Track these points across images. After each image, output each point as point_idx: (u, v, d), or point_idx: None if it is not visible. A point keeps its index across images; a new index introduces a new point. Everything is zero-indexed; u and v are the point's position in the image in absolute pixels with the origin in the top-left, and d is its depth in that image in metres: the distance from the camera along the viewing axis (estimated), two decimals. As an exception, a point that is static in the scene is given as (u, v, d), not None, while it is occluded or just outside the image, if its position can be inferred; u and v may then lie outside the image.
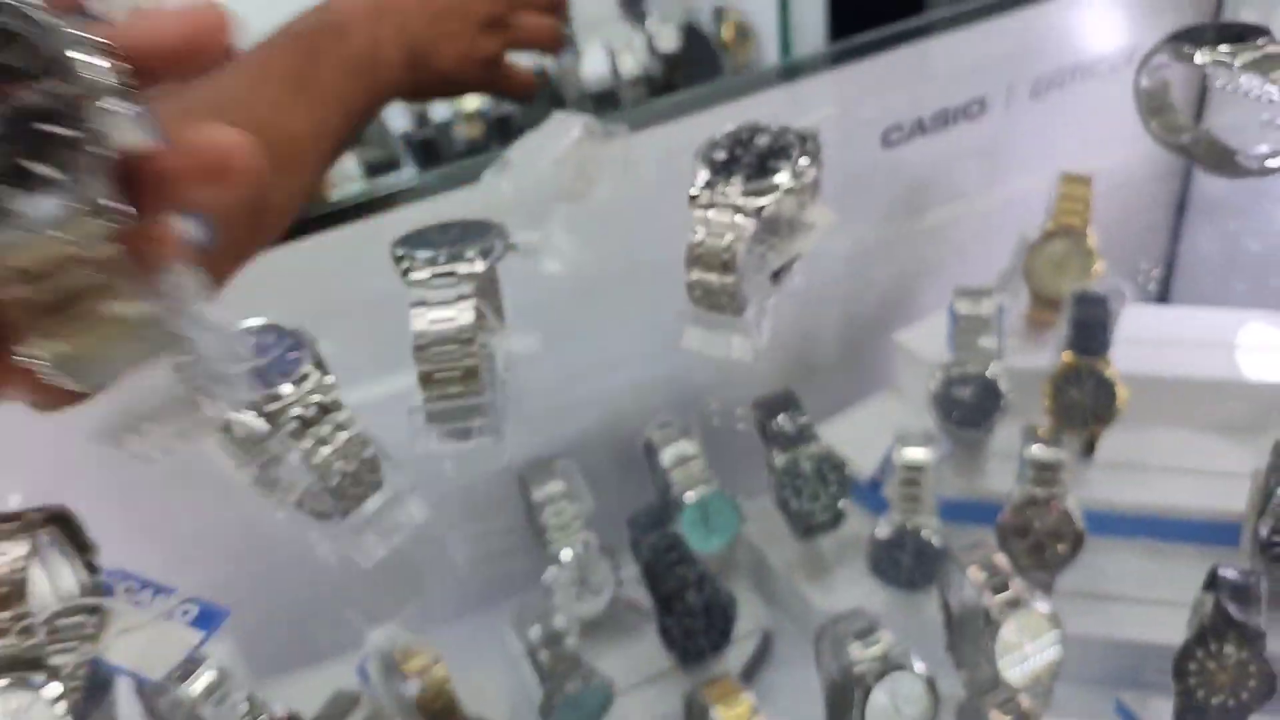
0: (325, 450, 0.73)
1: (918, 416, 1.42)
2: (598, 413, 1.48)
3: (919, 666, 1.06)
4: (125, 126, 0.35)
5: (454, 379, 0.74)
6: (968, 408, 1.32)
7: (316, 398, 0.72)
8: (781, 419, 1.33)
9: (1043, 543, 1.24)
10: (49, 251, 0.35)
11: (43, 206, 0.34)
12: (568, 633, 1.18)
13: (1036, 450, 1.24)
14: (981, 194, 1.53)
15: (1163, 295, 1.77)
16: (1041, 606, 1.10)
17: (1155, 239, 1.71)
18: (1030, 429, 1.27)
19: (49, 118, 0.33)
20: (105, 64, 0.35)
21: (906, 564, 1.29)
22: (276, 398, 0.71)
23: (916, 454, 1.27)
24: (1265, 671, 1.12)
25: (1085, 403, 1.31)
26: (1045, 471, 1.23)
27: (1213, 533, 1.34)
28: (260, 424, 0.72)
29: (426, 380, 0.74)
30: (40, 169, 0.34)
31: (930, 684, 1.06)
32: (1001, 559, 1.12)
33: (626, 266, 1.25)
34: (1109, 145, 1.50)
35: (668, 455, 1.35)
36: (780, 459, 1.32)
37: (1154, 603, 1.32)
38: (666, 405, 1.43)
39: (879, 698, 1.05)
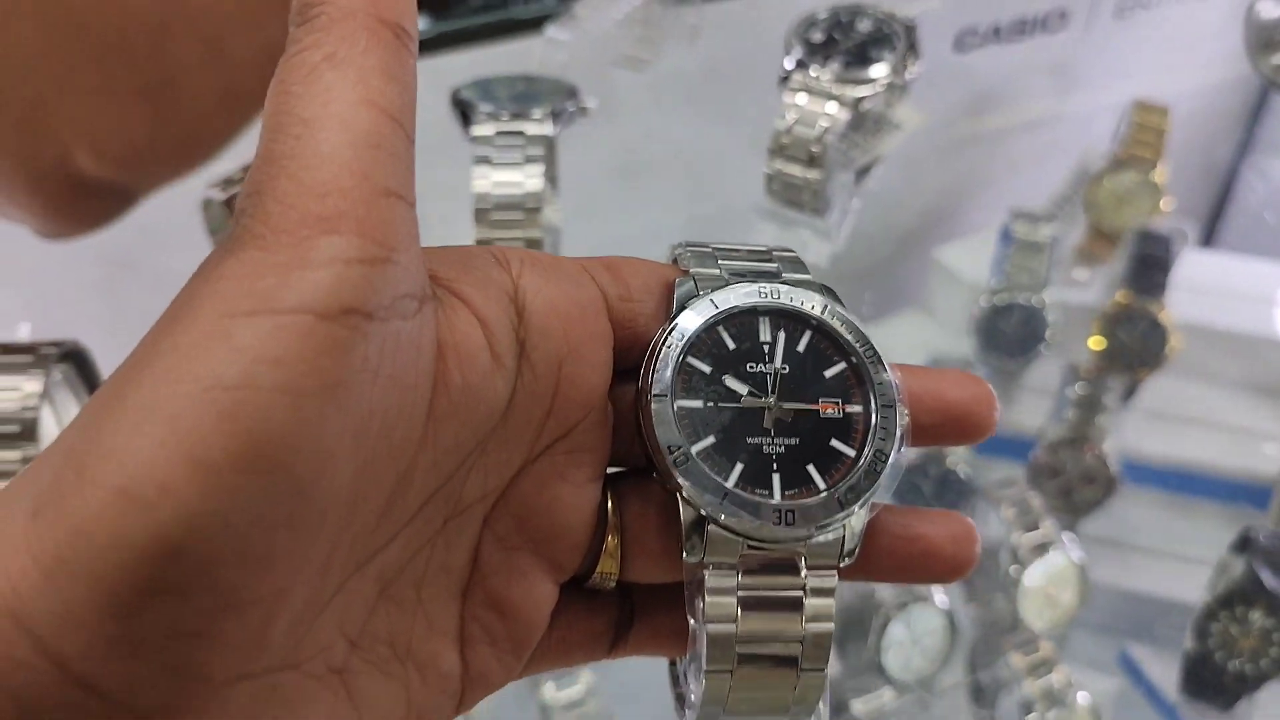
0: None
1: (948, 338, 1.36)
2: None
3: (940, 600, 1.01)
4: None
5: (514, 251, 0.67)
6: (1011, 336, 1.26)
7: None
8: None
9: (1073, 485, 1.19)
10: (784, 541, 0.35)
11: (798, 500, 0.35)
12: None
13: (1079, 389, 1.19)
14: (1045, 112, 1.46)
15: (1207, 239, 1.71)
16: (1072, 552, 1.06)
17: (1210, 179, 1.64)
18: (1073, 366, 1.21)
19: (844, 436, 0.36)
20: (905, 420, 0.37)
21: (929, 491, 1.24)
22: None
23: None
24: (1289, 642, 1.09)
25: (1134, 345, 1.25)
26: (1085, 412, 1.18)
27: (1241, 493, 1.30)
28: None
29: (484, 249, 0.67)
30: (813, 473, 0.36)
31: (950, 618, 1.02)
32: (1035, 499, 1.07)
33: (684, 150, 1.17)
34: (1183, 75, 1.43)
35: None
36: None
37: (1174, 558, 1.28)
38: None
39: (897, 629, 1.00)
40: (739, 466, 0.35)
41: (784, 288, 0.37)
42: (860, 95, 0.76)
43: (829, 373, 0.37)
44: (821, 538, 0.35)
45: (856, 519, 0.35)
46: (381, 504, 0.31)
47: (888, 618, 0.99)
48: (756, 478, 0.35)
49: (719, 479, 0.34)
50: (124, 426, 0.26)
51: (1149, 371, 1.26)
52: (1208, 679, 1.14)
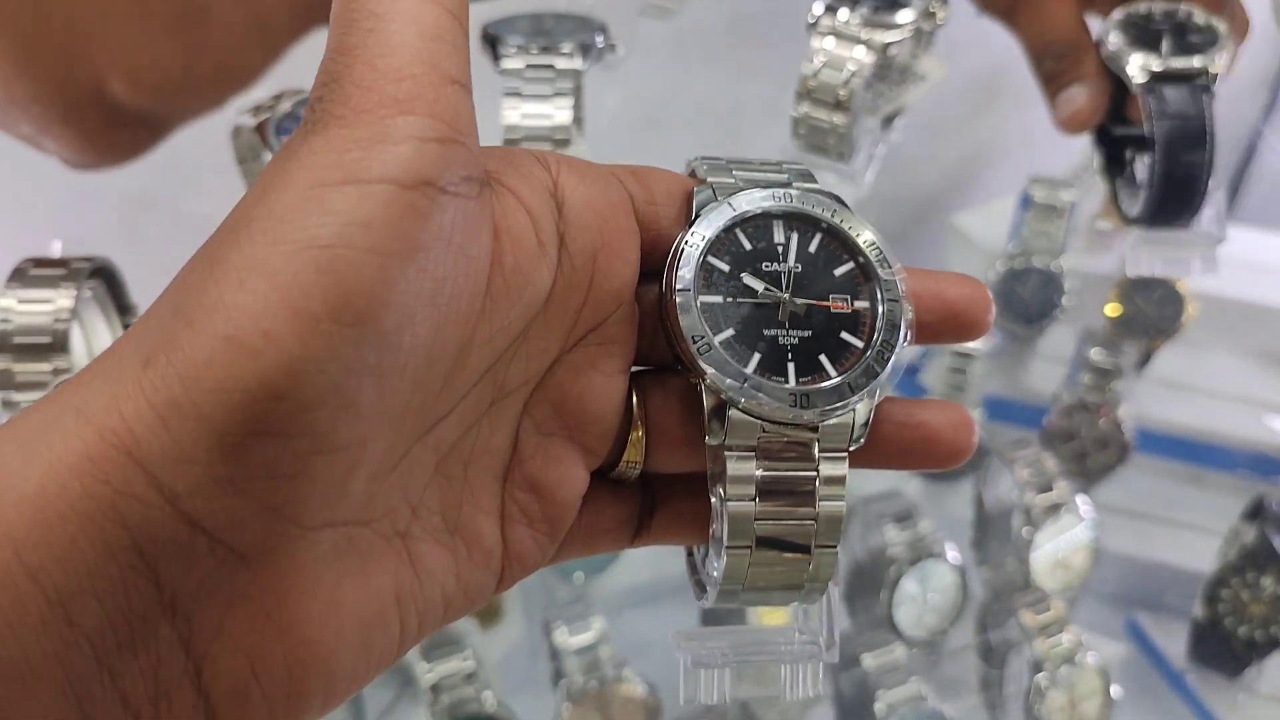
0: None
1: (965, 305, 1.36)
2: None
3: (953, 556, 1.02)
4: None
5: (542, 183, 0.67)
6: (1027, 301, 1.26)
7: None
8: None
9: (1086, 450, 1.19)
10: (798, 426, 0.38)
11: (810, 386, 0.38)
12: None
13: (1095, 355, 1.19)
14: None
15: (1229, 209, 1.70)
16: (1084, 512, 1.06)
17: (1231, 151, 1.63)
18: (1090, 332, 1.22)
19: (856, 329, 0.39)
20: (909, 313, 0.39)
21: (941, 453, 1.24)
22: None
23: (967, 342, 1.21)
24: (1300, 609, 1.09)
25: (1151, 313, 1.25)
26: (1100, 377, 1.18)
27: (1254, 464, 1.30)
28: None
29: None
30: (825, 362, 0.38)
31: (962, 575, 1.02)
32: (1049, 460, 1.07)
33: (708, 101, 1.17)
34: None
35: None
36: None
37: (1185, 526, 1.28)
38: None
39: (909, 584, 1.01)
40: (757, 355, 0.38)
41: (795, 193, 0.40)
42: (888, 40, 0.75)
43: (838, 271, 0.39)
44: (833, 421, 0.37)
45: (864, 405, 0.38)
46: (446, 370, 0.33)
47: (900, 573, 1.00)
48: (773, 366, 0.38)
49: (740, 366, 0.37)
50: (229, 282, 0.29)
51: (1164, 340, 1.26)
52: (1216, 645, 1.14)
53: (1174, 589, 1.22)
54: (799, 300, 0.38)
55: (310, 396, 0.29)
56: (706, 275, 0.38)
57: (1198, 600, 1.13)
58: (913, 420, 0.40)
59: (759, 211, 0.39)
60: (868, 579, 1.07)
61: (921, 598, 1.02)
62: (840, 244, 0.40)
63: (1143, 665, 1.24)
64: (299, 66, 0.78)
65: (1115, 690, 0.99)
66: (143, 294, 0.85)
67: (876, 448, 0.39)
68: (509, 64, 0.69)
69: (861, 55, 0.75)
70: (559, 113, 0.67)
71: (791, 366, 0.38)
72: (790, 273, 0.39)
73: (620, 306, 0.38)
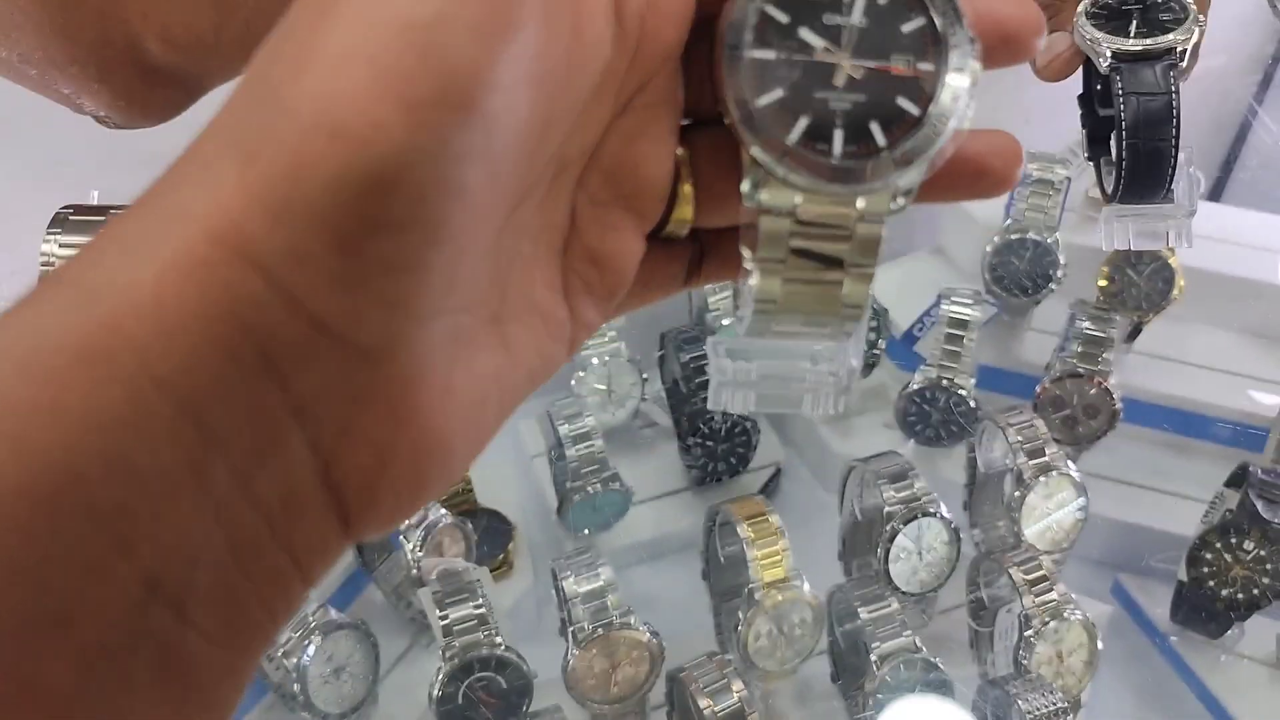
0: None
1: (960, 278, 1.39)
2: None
3: (946, 515, 1.05)
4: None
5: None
6: (1022, 272, 1.30)
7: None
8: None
9: (1077, 417, 1.23)
10: (841, 198, 0.35)
11: (857, 157, 0.35)
12: (595, 434, 1.17)
13: (1086, 325, 1.23)
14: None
15: (1215, 193, 1.74)
16: (1073, 474, 1.10)
17: (1221, 132, 1.66)
18: (1082, 304, 1.25)
19: (912, 93, 0.35)
20: (978, 71, 0.36)
21: (935, 418, 1.28)
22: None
23: (964, 310, 1.25)
24: None
25: (1141, 286, 1.29)
26: (1091, 346, 1.22)
27: (1238, 435, 1.34)
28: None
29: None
30: (875, 130, 0.35)
31: (955, 534, 1.06)
32: (1040, 424, 1.11)
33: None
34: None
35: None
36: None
37: (1169, 494, 1.32)
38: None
39: (904, 540, 1.04)
40: (803, 122, 0.35)
41: None
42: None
43: (906, 28, 0.36)
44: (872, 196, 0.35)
45: (908, 178, 0.35)
46: (534, 148, 0.32)
47: (896, 530, 1.03)
48: (819, 133, 0.35)
49: (780, 136, 0.35)
50: (326, 70, 0.28)
51: (1154, 313, 1.30)
52: (1199, 607, 1.18)
53: (1159, 552, 1.26)
54: (857, 62, 0.35)
55: (422, 186, 0.28)
56: (762, 28, 0.35)
57: (1181, 563, 1.17)
58: (963, 152, 0.37)
59: None
60: (864, 536, 1.10)
61: (916, 553, 1.06)
62: (914, 3, 0.35)
63: (1128, 626, 1.28)
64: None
65: (1100, 645, 1.03)
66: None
67: (926, 183, 0.37)
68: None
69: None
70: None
71: (839, 135, 0.35)
72: (853, 29, 0.35)
73: (665, 67, 0.36)
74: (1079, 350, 1.22)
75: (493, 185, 0.31)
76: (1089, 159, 0.92)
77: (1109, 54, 0.78)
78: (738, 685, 0.95)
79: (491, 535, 1.24)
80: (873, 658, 0.99)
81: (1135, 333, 1.33)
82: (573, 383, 1.29)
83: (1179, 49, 0.78)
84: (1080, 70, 0.90)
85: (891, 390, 1.33)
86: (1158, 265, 1.28)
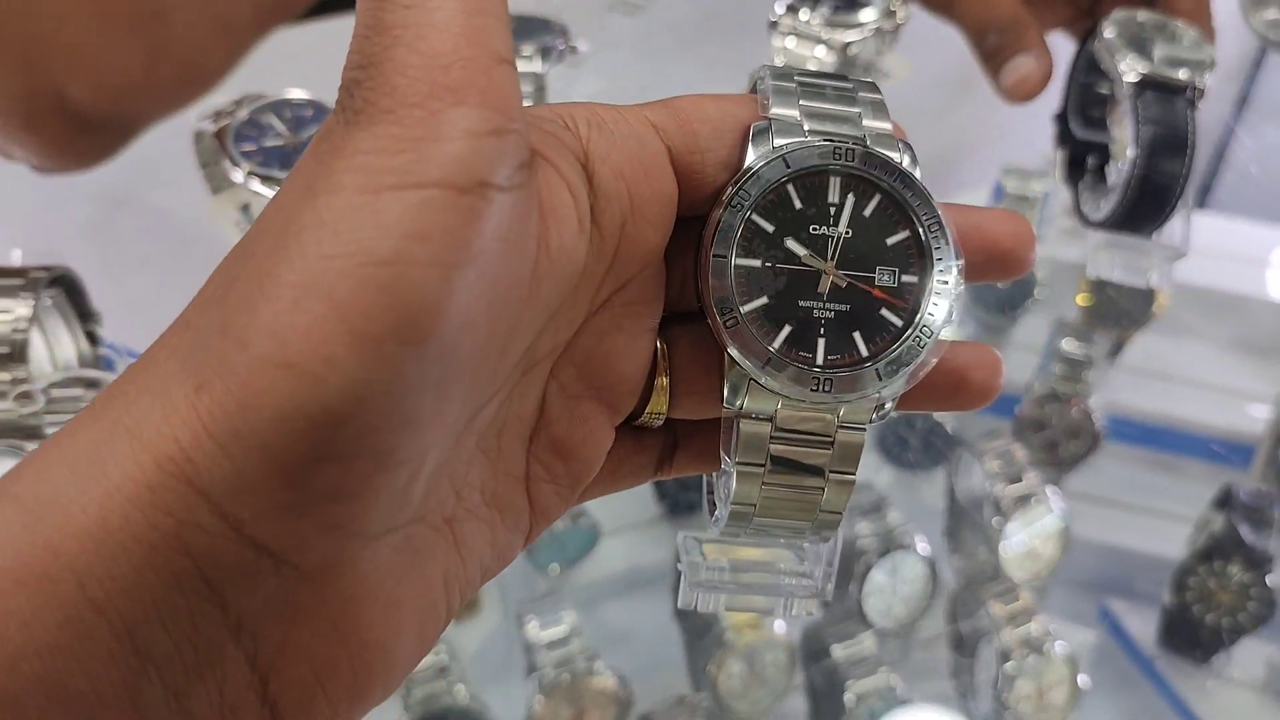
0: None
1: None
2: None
3: (922, 548, 1.03)
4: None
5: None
6: (1000, 290, 1.27)
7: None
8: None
9: (1058, 440, 1.20)
10: (823, 406, 0.36)
11: (839, 365, 0.36)
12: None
13: (1066, 344, 1.20)
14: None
15: (1202, 200, 1.71)
16: (1054, 504, 1.07)
17: (1204, 141, 1.64)
18: (1062, 322, 1.22)
19: (895, 305, 0.36)
20: (958, 286, 0.37)
21: (914, 444, 1.25)
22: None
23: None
24: (1266, 596, 1.10)
25: (1122, 303, 1.26)
26: (1072, 367, 1.19)
27: (1225, 452, 1.31)
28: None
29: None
30: (858, 339, 0.36)
31: (932, 567, 1.03)
32: (1019, 451, 1.08)
33: (680, 92, 1.17)
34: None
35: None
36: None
37: (1156, 514, 1.29)
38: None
39: (878, 575, 1.02)
40: (787, 329, 0.36)
41: (859, 150, 0.36)
42: (848, 40, 0.76)
43: (891, 240, 0.36)
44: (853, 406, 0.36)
45: (891, 389, 0.36)
46: (495, 361, 0.32)
47: (870, 564, 1.01)
48: (802, 341, 0.36)
49: (764, 343, 0.35)
50: (283, 303, 0.28)
51: (1136, 329, 1.27)
52: (1185, 632, 1.15)
53: (1146, 576, 1.23)
54: (841, 272, 0.36)
55: (374, 419, 0.28)
56: (748, 236, 0.36)
57: (1167, 588, 1.14)
58: (945, 365, 0.38)
59: (815, 169, 0.36)
60: (839, 571, 1.08)
61: (891, 589, 1.03)
62: (898, 210, 0.36)
63: (1115, 651, 1.25)
64: (261, 68, 0.79)
65: (1083, 679, 1.00)
66: (114, 290, 0.86)
67: (907, 394, 0.38)
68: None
69: (822, 55, 0.76)
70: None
71: (822, 343, 0.36)
72: (839, 239, 0.36)
73: (646, 268, 0.36)
74: (1059, 371, 1.19)
75: (448, 408, 0.30)
76: (1066, 180, 0.90)
77: (1133, 73, 0.75)
78: (706, 730, 0.92)
79: (461, 572, 1.21)
80: (847, 697, 0.96)
81: (1118, 349, 1.30)
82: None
83: (1198, 87, 0.76)
84: (1063, 88, 0.88)
85: (870, 413, 1.31)
86: (1138, 282, 1.25)
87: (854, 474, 0.36)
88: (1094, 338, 1.20)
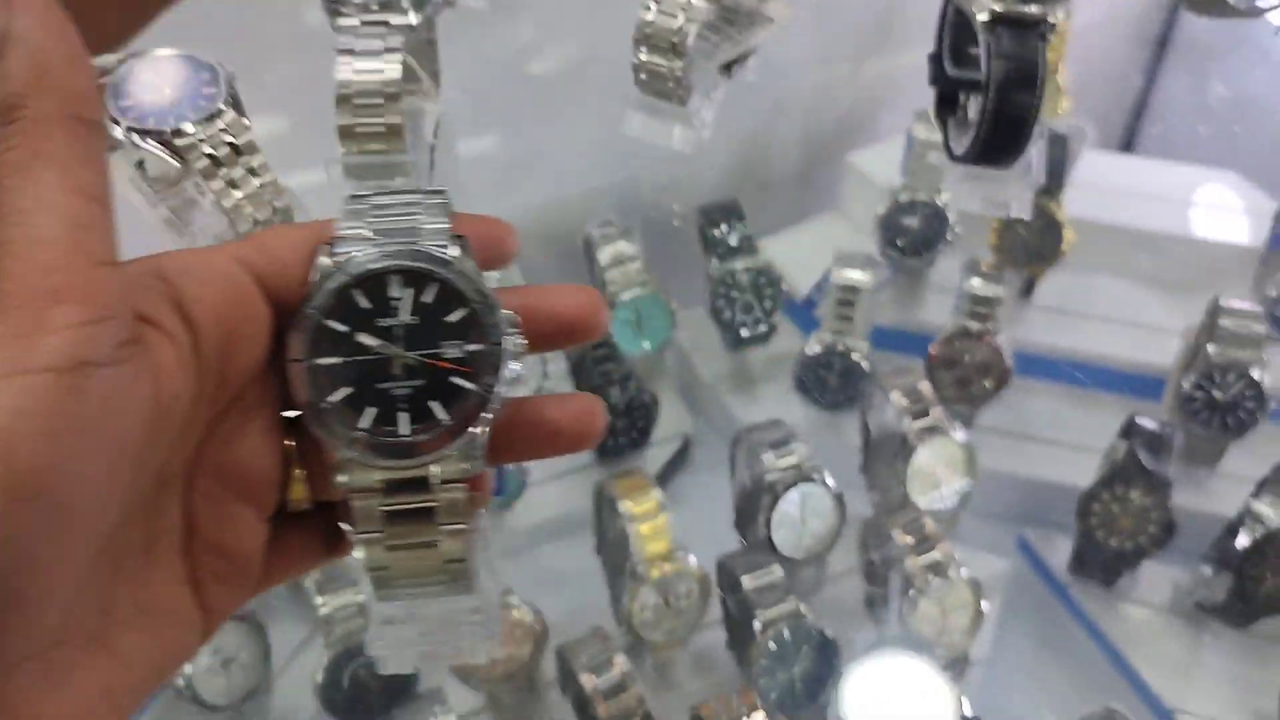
0: (237, 194, 0.70)
1: (862, 240, 1.40)
2: (538, 206, 1.44)
3: (829, 481, 1.06)
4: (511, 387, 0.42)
5: (376, 135, 0.70)
6: (913, 234, 1.30)
7: (229, 137, 0.68)
8: (723, 228, 1.30)
9: (970, 376, 1.24)
10: (415, 467, 0.41)
11: (422, 434, 0.41)
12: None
13: (975, 283, 1.23)
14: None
15: (1128, 143, 1.75)
16: (958, 436, 1.11)
17: (1127, 82, 1.67)
18: (972, 262, 1.26)
19: (467, 373, 0.41)
20: (519, 346, 0.42)
21: (832, 383, 1.29)
22: (185, 134, 0.67)
23: (853, 275, 1.26)
24: (1166, 520, 1.14)
25: (1031, 241, 1.30)
26: (981, 306, 1.23)
27: (1137, 385, 1.35)
28: (171, 161, 0.68)
29: (347, 134, 0.70)
30: (437, 408, 0.41)
31: (839, 499, 1.07)
32: (925, 386, 1.12)
33: (580, 57, 1.20)
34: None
35: (606, 254, 1.33)
36: (717, 268, 1.30)
37: (1070, 446, 1.33)
38: (609, 207, 1.40)
39: (786, 507, 1.05)
40: (371, 411, 0.41)
41: (408, 248, 0.42)
42: (723, -13, 0.78)
43: (451, 318, 0.41)
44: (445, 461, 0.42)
45: (472, 442, 0.42)
46: (119, 502, 0.36)
47: (777, 497, 1.04)
48: (387, 418, 0.41)
49: (349, 427, 0.41)
50: None
51: (1046, 267, 1.31)
52: (1091, 557, 1.20)
53: (1061, 506, 1.27)
54: (410, 353, 0.41)
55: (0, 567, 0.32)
56: (322, 338, 0.41)
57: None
58: (541, 418, 0.44)
59: (374, 272, 0.41)
60: (753, 504, 1.11)
61: (800, 520, 1.07)
62: (453, 294, 0.41)
63: (1032, 579, 1.30)
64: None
65: (986, 604, 1.04)
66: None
67: (511, 447, 0.44)
68: (345, 22, 0.72)
69: (696, 2, 0.79)
70: (389, 68, 0.69)
71: (403, 417, 0.41)
72: (404, 326, 0.41)
73: (253, 379, 0.41)
74: (969, 309, 1.23)
75: (72, 551, 0.34)
76: (937, 117, 0.92)
77: (985, 11, 0.78)
78: (620, 660, 0.96)
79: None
80: (755, 625, 1.00)
81: (1029, 288, 1.34)
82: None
83: (1050, 20, 0.78)
84: (936, 28, 0.90)
85: (794, 356, 1.34)
86: (1045, 221, 1.28)
87: (465, 523, 0.42)
88: (1004, 277, 1.23)
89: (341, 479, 0.41)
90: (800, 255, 1.44)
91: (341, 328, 0.41)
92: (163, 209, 0.74)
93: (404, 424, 0.41)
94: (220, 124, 0.69)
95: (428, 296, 0.41)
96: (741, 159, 1.52)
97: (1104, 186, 1.45)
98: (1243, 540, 1.13)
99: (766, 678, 1.00)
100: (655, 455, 1.37)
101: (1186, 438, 1.23)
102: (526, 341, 0.42)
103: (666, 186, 1.46)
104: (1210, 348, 1.18)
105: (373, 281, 0.41)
